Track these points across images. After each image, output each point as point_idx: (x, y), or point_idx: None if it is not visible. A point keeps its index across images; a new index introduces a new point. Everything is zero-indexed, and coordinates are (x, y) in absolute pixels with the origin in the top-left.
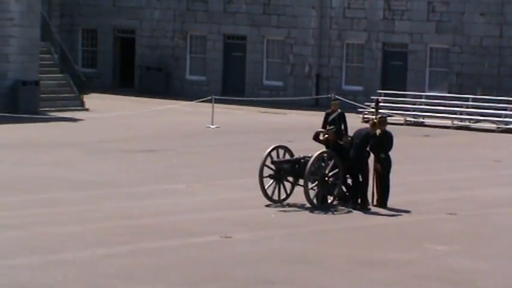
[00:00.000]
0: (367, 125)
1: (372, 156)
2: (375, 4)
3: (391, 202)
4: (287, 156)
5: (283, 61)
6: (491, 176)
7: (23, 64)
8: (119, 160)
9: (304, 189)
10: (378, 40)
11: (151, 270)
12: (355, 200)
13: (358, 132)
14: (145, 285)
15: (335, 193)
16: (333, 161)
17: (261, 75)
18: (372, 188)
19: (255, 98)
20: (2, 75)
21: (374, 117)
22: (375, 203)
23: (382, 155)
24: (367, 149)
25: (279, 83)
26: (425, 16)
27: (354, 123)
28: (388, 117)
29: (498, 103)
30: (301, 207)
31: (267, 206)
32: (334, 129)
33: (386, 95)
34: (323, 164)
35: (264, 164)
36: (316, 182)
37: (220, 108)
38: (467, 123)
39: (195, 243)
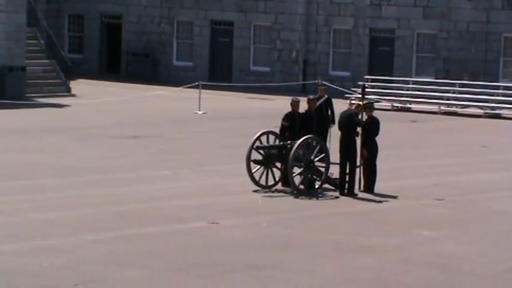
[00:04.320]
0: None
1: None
2: None
3: (378, 188)
4: (277, 142)
5: (271, 47)
6: (478, 161)
7: (9, 50)
8: (105, 146)
9: (288, 174)
10: (365, 26)
11: (139, 256)
12: (342, 185)
13: (343, 115)
14: (133, 271)
15: (322, 178)
16: (319, 146)
17: (248, 60)
18: (358, 174)
19: (242, 84)
20: None
21: (358, 101)
22: (361, 188)
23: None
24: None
25: (266, 69)
26: (412, 1)
27: (341, 109)
28: (375, 103)
29: (485, 88)
30: (289, 193)
31: (255, 191)
32: (314, 99)
33: (373, 80)
34: (308, 150)
35: (251, 150)
36: (302, 168)
37: (207, 94)
38: (454, 109)
39: (182, 229)
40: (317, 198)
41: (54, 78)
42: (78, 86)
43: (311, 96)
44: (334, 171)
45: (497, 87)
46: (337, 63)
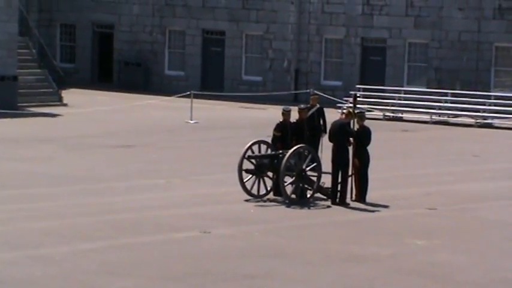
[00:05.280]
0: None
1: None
2: None
3: (369, 197)
4: (269, 152)
5: (262, 56)
6: (470, 170)
7: (1, 59)
8: (98, 155)
9: (280, 184)
10: (357, 35)
11: (132, 265)
12: (334, 195)
13: (334, 125)
14: (126, 280)
15: (314, 187)
16: (310, 156)
17: (240, 70)
18: (350, 183)
19: (234, 93)
20: None
21: (347, 109)
22: (353, 198)
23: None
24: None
25: (258, 78)
26: (404, 11)
27: (333, 118)
28: (366, 113)
29: (477, 98)
30: (281, 202)
31: (246, 201)
32: (305, 108)
33: (365, 90)
34: (300, 159)
35: (243, 159)
36: (294, 177)
37: (199, 103)
38: (446, 118)
39: (175, 239)
40: (309, 208)
41: (46, 87)
42: (70, 95)
43: (302, 106)
44: (326, 181)
45: (489, 97)
46: (329, 73)
